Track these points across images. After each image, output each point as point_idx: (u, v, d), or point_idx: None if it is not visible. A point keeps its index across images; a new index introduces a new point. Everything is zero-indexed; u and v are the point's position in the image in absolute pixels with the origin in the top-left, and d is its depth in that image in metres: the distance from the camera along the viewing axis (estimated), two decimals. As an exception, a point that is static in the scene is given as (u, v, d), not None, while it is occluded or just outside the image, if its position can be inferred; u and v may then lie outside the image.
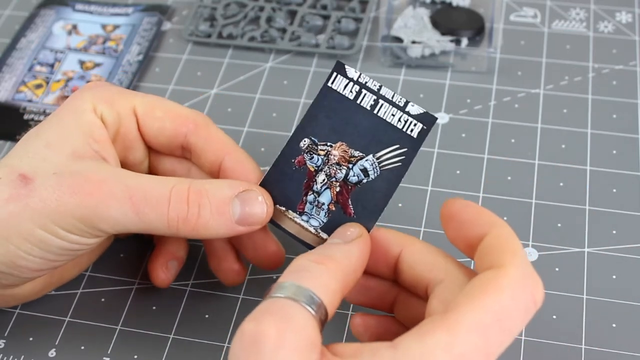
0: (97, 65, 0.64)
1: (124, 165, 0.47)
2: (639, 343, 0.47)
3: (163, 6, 0.69)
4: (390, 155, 0.44)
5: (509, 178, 0.56)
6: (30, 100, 0.62)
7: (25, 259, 0.43)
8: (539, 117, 0.59)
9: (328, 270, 0.40)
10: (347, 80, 0.44)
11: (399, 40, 0.63)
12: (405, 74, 0.63)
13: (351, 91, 0.44)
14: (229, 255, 0.48)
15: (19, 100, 0.62)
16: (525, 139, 0.58)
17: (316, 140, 0.45)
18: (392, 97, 0.44)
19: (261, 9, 0.67)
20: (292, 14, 0.67)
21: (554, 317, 0.49)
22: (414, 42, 0.63)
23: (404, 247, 0.43)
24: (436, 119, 0.43)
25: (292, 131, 0.45)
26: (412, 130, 0.43)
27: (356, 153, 0.44)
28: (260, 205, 0.44)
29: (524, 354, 0.47)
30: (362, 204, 0.44)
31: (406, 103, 0.43)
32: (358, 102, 0.44)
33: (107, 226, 0.43)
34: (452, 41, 0.63)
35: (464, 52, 0.63)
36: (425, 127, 0.43)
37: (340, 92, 0.44)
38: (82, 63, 0.64)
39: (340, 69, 0.45)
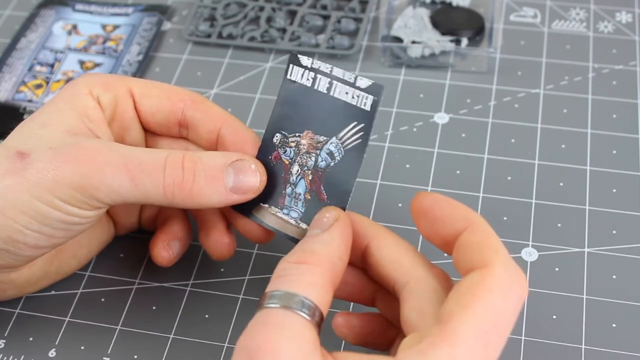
0: (97, 65, 0.64)
1: None
2: (639, 343, 0.47)
3: (163, 6, 0.69)
4: (350, 133, 0.44)
5: (509, 178, 0.56)
6: (30, 100, 0.62)
7: (23, 233, 0.43)
8: (539, 117, 0.59)
9: (311, 268, 0.39)
10: (303, 69, 0.45)
11: (399, 40, 0.63)
12: (405, 74, 0.63)
13: (308, 79, 0.45)
14: (219, 225, 0.48)
15: (19, 100, 0.62)
16: (525, 139, 0.58)
17: (286, 134, 0.46)
18: (343, 76, 0.44)
19: (261, 9, 0.67)
20: (292, 14, 0.67)
21: (554, 317, 0.49)
22: (414, 42, 0.63)
23: (372, 239, 0.42)
24: (383, 87, 0.43)
25: (265, 129, 0.46)
26: (365, 104, 0.44)
27: (321, 138, 0.45)
28: (254, 174, 0.45)
29: (524, 354, 0.47)
30: (333, 187, 0.44)
31: (355, 78, 0.44)
32: (315, 87, 0.45)
33: (103, 195, 0.43)
34: (452, 41, 0.63)
35: (464, 52, 0.63)
36: (375, 98, 0.43)
37: (299, 81, 0.45)
38: (82, 63, 0.64)
39: (294, 60, 0.45)
